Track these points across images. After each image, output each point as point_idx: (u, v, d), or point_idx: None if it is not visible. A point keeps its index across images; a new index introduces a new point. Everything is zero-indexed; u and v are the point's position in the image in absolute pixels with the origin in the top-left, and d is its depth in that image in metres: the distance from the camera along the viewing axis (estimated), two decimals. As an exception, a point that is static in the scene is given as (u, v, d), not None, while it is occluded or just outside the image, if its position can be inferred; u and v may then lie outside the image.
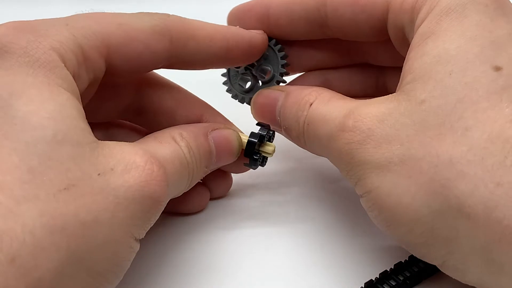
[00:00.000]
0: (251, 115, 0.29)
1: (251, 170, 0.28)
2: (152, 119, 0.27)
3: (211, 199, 0.30)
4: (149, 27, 0.23)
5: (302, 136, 0.25)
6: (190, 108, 0.28)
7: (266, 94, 0.28)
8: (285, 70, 0.29)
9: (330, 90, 0.25)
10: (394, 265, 0.25)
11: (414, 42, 0.22)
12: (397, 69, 0.25)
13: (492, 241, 0.19)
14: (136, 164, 0.21)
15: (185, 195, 0.26)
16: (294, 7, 0.27)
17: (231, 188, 0.31)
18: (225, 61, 0.27)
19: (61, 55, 0.21)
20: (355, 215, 0.29)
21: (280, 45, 0.28)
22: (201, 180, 0.27)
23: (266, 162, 0.28)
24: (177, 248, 0.28)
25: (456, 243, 0.20)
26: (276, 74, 0.29)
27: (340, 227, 0.29)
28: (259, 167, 0.28)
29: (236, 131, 0.27)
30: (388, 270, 0.25)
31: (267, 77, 0.29)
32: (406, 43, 0.24)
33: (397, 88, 0.23)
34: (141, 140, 0.24)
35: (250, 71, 0.29)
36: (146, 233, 0.22)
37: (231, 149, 0.27)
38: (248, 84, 0.29)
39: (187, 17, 0.26)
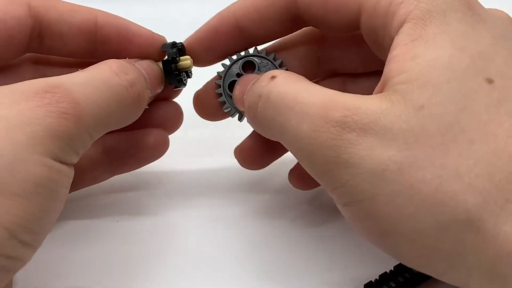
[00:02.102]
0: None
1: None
2: (55, 41, 0.26)
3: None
4: None
5: (256, 109, 0.24)
6: (79, 15, 0.26)
7: (247, 76, 0.27)
8: None
9: (296, 73, 0.24)
10: (394, 266, 0.25)
11: (398, 40, 0.22)
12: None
13: (498, 255, 0.19)
14: (24, 91, 0.21)
15: (141, 137, 0.28)
16: (264, 13, 0.26)
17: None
18: (98, 45, 0.26)
19: None
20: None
21: (273, 54, 0.28)
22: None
23: (191, 74, 0.28)
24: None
25: (461, 256, 0.20)
26: None
27: (338, 227, 0.29)
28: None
29: (153, 59, 0.27)
30: (388, 271, 0.25)
31: None
32: (379, 45, 0.24)
33: (382, 87, 0.22)
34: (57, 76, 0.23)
35: None
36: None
37: (157, 74, 0.27)
38: None
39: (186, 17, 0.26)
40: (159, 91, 0.27)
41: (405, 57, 0.21)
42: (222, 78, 0.28)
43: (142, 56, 0.27)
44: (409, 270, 0.25)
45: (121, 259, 0.27)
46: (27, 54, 0.27)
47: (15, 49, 0.26)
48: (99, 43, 0.27)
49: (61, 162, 0.21)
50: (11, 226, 0.19)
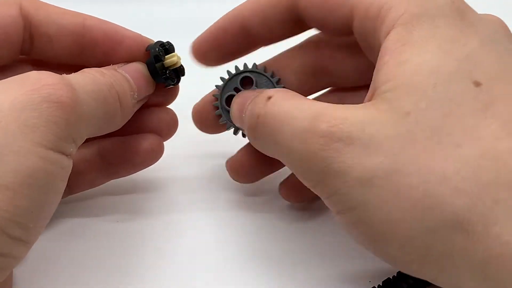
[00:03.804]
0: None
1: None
2: (44, 43, 0.27)
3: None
4: None
5: (255, 130, 0.24)
6: (68, 17, 0.26)
7: (243, 94, 0.27)
8: (283, 86, 0.28)
9: (291, 91, 0.25)
10: (397, 272, 0.25)
11: (387, 46, 0.22)
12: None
13: (489, 257, 0.19)
14: (18, 82, 0.20)
15: (135, 142, 0.28)
16: (268, 14, 0.27)
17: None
18: (86, 48, 0.26)
19: None
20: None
21: (272, 71, 0.28)
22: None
23: (183, 71, 0.28)
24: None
25: (451, 259, 0.20)
26: None
27: (339, 233, 0.28)
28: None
29: (141, 61, 0.27)
30: (391, 277, 0.25)
31: None
32: (371, 48, 0.24)
33: (372, 96, 0.22)
34: None
35: None
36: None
37: (144, 75, 0.27)
38: None
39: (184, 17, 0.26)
40: (150, 92, 0.27)
41: (392, 64, 0.21)
42: (220, 91, 0.29)
43: (130, 59, 0.27)
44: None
45: (120, 259, 0.27)
46: (26, 57, 0.27)
47: (11, 48, 0.26)
48: (87, 46, 0.26)
49: (58, 151, 0.20)
50: (0, 221, 0.19)
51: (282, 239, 0.28)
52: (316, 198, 0.28)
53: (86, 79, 0.23)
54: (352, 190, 0.20)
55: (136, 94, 0.26)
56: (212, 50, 0.28)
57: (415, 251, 0.20)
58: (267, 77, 0.28)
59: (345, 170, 0.20)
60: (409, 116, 0.20)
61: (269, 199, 0.31)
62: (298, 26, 0.27)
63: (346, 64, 0.28)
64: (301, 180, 0.23)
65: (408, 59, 0.21)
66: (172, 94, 0.29)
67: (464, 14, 0.22)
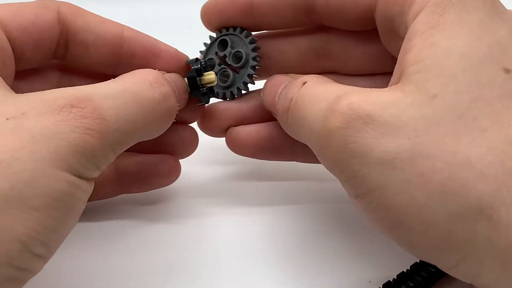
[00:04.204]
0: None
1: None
2: (80, 50, 0.26)
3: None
4: (35, 1, 0.25)
5: (286, 113, 0.24)
6: (106, 26, 0.26)
7: (276, 78, 0.27)
8: (257, 54, 0.28)
9: (326, 77, 0.25)
10: (397, 276, 0.25)
11: (416, 29, 0.22)
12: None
13: (511, 244, 0.19)
14: (52, 104, 0.21)
15: (154, 164, 0.28)
16: None
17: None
18: (122, 59, 0.26)
19: None
20: (355, 220, 0.28)
21: (245, 31, 0.28)
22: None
23: (214, 92, 0.28)
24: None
25: (473, 246, 0.19)
26: (249, 58, 0.28)
27: (339, 233, 0.28)
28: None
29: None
30: (391, 280, 0.25)
31: (241, 62, 0.28)
32: (393, 34, 0.24)
33: (398, 78, 0.22)
34: (88, 85, 0.23)
35: (226, 65, 0.29)
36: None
37: (183, 87, 0.26)
38: (230, 78, 0.29)
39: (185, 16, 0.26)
40: (183, 107, 0.27)
41: (422, 46, 0.21)
42: (203, 57, 0.29)
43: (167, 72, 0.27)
44: (412, 277, 0.25)
45: (123, 264, 0.27)
46: (54, 61, 0.27)
47: (44, 53, 0.26)
48: (124, 57, 0.26)
49: (81, 177, 0.21)
50: (26, 239, 0.19)
51: (282, 240, 0.28)
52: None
53: (127, 102, 0.23)
54: (372, 172, 0.20)
55: (178, 105, 0.26)
56: (215, 15, 0.28)
57: (437, 237, 0.19)
58: (242, 38, 0.28)
59: (365, 151, 0.20)
60: (436, 99, 0.20)
61: (284, 198, 0.31)
62: (308, 18, 0.27)
63: (352, 51, 0.28)
64: (321, 162, 0.22)
65: (437, 42, 0.21)
66: (198, 112, 0.29)
67: (494, 2, 0.22)
